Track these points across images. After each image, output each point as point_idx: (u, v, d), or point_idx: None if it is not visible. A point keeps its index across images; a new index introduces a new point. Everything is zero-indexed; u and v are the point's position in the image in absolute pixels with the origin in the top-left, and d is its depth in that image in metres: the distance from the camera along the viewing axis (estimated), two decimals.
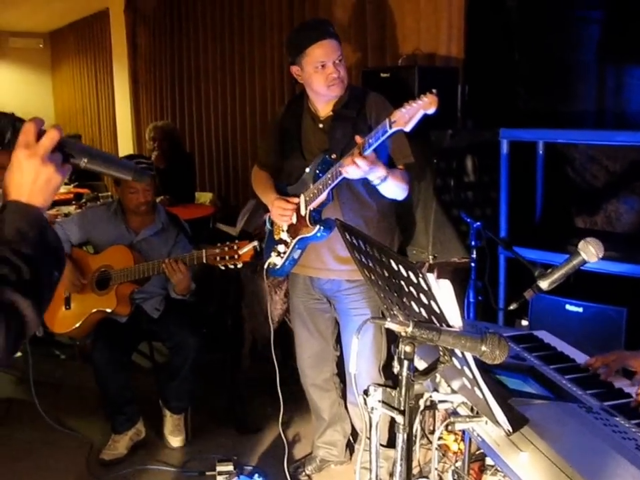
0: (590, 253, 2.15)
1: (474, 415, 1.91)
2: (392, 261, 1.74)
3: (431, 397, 1.89)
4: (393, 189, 3.08)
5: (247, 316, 4.23)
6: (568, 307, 3.39)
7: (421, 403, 1.84)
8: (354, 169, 2.84)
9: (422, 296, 1.64)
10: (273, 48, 6.31)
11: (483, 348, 1.56)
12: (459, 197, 3.73)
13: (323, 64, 3.10)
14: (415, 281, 1.62)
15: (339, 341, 3.53)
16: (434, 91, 2.68)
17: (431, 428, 3.63)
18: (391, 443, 2.60)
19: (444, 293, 1.59)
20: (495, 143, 3.66)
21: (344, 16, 5.07)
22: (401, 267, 1.69)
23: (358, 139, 2.87)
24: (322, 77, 3.12)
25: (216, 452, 3.86)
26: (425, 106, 2.68)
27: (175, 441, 4.05)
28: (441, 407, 1.98)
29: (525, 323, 3.64)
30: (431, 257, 3.69)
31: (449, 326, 1.60)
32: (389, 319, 1.63)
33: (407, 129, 2.74)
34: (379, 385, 1.81)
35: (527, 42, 4.25)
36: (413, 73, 3.98)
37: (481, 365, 1.86)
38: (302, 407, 4.02)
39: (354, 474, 3.65)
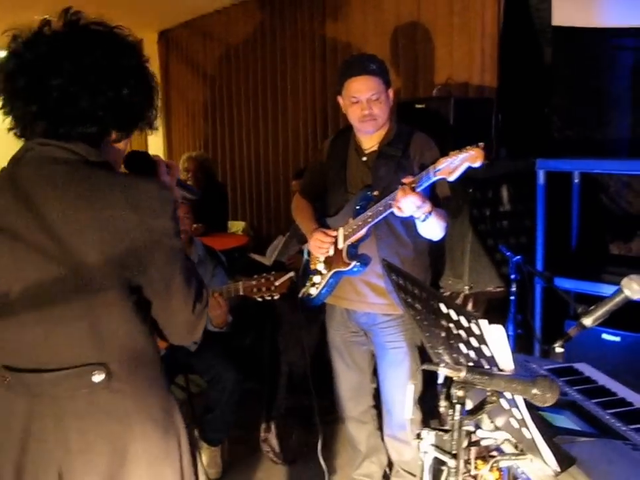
0: (634, 289, 2.13)
1: (519, 452, 1.90)
2: (441, 304, 1.74)
3: (474, 433, 1.90)
4: (434, 226, 3.08)
5: (283, 347, 4.24)
6: (604, 335, 3.37)
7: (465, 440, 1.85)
8: (408, 204, 2.85)
9: (472, 339, 1.64)
10: (305, 78, 6.35)
11: (534, 391, 1.56)
12: (494, 227, 3.74)
13: (357, 99, 3.14)
14: (466, 325, 1.63)
15: (375, 373, 3.52)
16: (481, 144, 2.70)
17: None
18: None
19: (496, 336, 1.59)
20: (530, 172, 3.67)
21: (377, 48, 5.10)
22: (451, 310, 1.70)
23: (406, 179, 2.89)
24: (355, 111, 3.16)
25: None
26: (471, 159, 2.71)
27: (212, 473, 4.05)
28: (484, 443, 1.97)
29: (559, 350, 3.62)
30: (467, 287, 3.69)
31: (500, 370, 1.60)
32: (442, 365, 1.64)
33: (451, 179, 2.78)
34: (432, 428, 1.81)
35: (561, 70, 4.26)
36: (447, 104, 4.01)
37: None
38: (337, 438, 4.01)
39: None
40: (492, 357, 1.58)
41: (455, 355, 1.81)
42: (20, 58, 1.71)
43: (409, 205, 2.86)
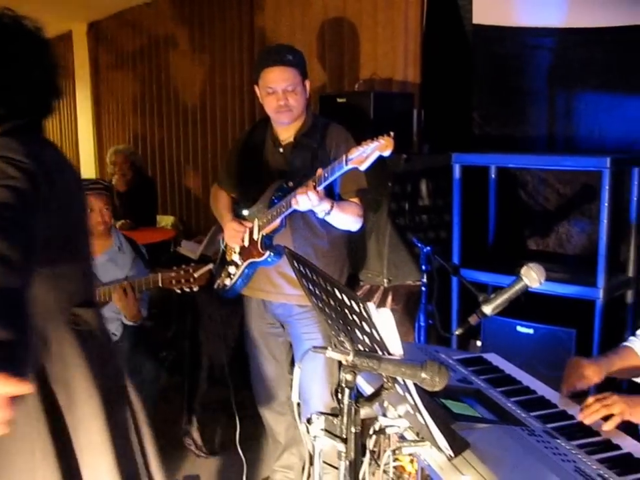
0: (532, 278, 2.19)
1: (419, 439, 1.93)
2: (336, 290, 1.76)
3: (379, 421, 1.92)
4: (342, 221, 3.14)
5: (203, 340, 4.22)
6: (519, 328, 3.44)
7: (371, 428, 1.87)
8: (305, 200, 2.90)
9: (364, 324, 1.66)
10: (234, 72, 6.35)
11: (423, 375, 1.58)
12: (413, 221, 3.78)
13: (273, 90, 3.15)
14: (357, 309, 1.65)
15: (293, 364, 3.54)
16: (391, 133, 2.74)
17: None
18: None
19: (385, 321, 1.62)
20: (449, 167, 3.72)
21: (304, 42, 5.12)
22: (344, 295, 1.71)
23: (319, 171, 2.92)
24: (271, 102, 3.18)
25: (173, 475, 3.84)
26: (381, 148, 2.75)
27: None
28: (389, 431, 2.00)
29: (479, 343, 3.69)
30: (385, 280, 3.73)
31: (389, 354, 1.62)
32: (329, 348, 1.65)
33: (362, 168, 2.80)
34: (322, 413, 1.82)
35: (481, 68, 4.33)
36: (368, 98, 4.04)
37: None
38: (260, 430, 4.01)
39: None
40: (381, 341, 1.60)
41: (353, 342, 1.83)
42: None
43: (305, 201, 2.90)
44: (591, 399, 2.12)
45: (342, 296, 1.71)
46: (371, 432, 1.93)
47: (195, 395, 4.28)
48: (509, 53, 4.22)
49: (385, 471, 2.24)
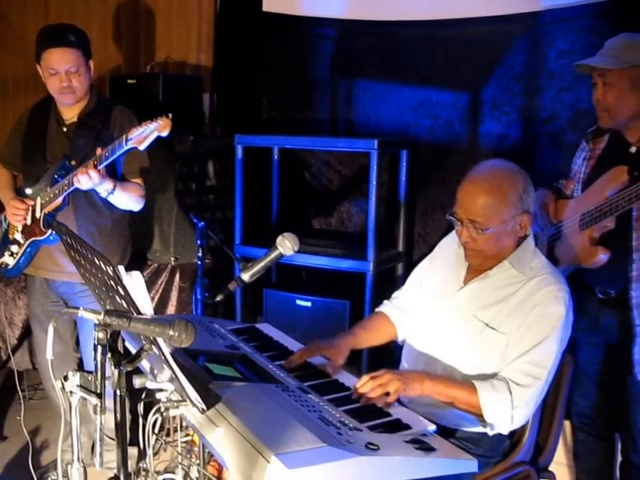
0: (286, 246, 2.36)
1: (182, 399, 2.03)
2: (95, 258, 1.85)
3: (145, 385, 2.01)
4: (125, 201, 3.21)
5: None
6: (298, 302, 3.64)
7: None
8: (86, 179, 2.94)
9: (119, 288, 1.75)
10: (31, 54, 6.11)
11: (171, 332, 1.69)
12: (200, 201, 3.89)
13: (56, 71, 3.14)
14: (112, 274, 1.74)
15: (79, 343, 3.55)
16: (170, 115, 2.84)
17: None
18: None
19: (136, 283, 1.72)
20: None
21: (100, 23, 5.07)
22: (101, 262, 1.80)
23: (99, 150, 2.96)
24: (54, 83, 3.17)
25: None
26: (159, 129, 2.84)
27: None
28: (158, 396, 2.08)
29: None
30: (172, 258, 3.82)
31: (140, 314, 1.72)
32: (81, 308, 1.73)
33: (141, 147, 2.88)
34: (78, 370, 1.90)
35: (270, 55, 4.49)
36: (157, 81, 4.10)
37: (187, 354, 2.02)
38: (48, 412, 3.98)
39: (101, 476, 3.66)
40: (132, 301, 1.70)
41: (115, 307, 1.92)
42: None
43: (86, 180, 2.95)
44: (365, 377, 2.20)
45: (99, 262, 1.80)
46: (143, 397, 2.01)
47: None
48: (295, 41, 4.41)
49: (166, 443, 2.35)
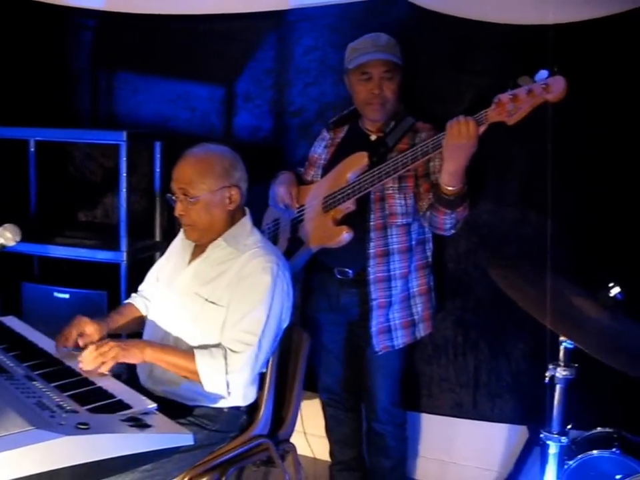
0: (7, 237, 2.41)
1: None
2: None
3: None
4: None
5: None
6: (56, 294, 3.65)
7: None
8: None
9: None
10: None
11: None
12: None
13: None
14: None
15: None
16: None
17: None
18: None
19: None
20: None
21: None
22: None
23: None
24: None
25: None
26: None
27: None
28: None
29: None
30: None
31: None
32: None
33: None
34: None
35: (31, 45, 4.38)
36: None
37: None
38: None
39: None
40: None
41: None
42: None
43: None
44: (90, 348, 2.37)
45: None
46: None
47: None
48: (58, 31, 4.33)
49: None
